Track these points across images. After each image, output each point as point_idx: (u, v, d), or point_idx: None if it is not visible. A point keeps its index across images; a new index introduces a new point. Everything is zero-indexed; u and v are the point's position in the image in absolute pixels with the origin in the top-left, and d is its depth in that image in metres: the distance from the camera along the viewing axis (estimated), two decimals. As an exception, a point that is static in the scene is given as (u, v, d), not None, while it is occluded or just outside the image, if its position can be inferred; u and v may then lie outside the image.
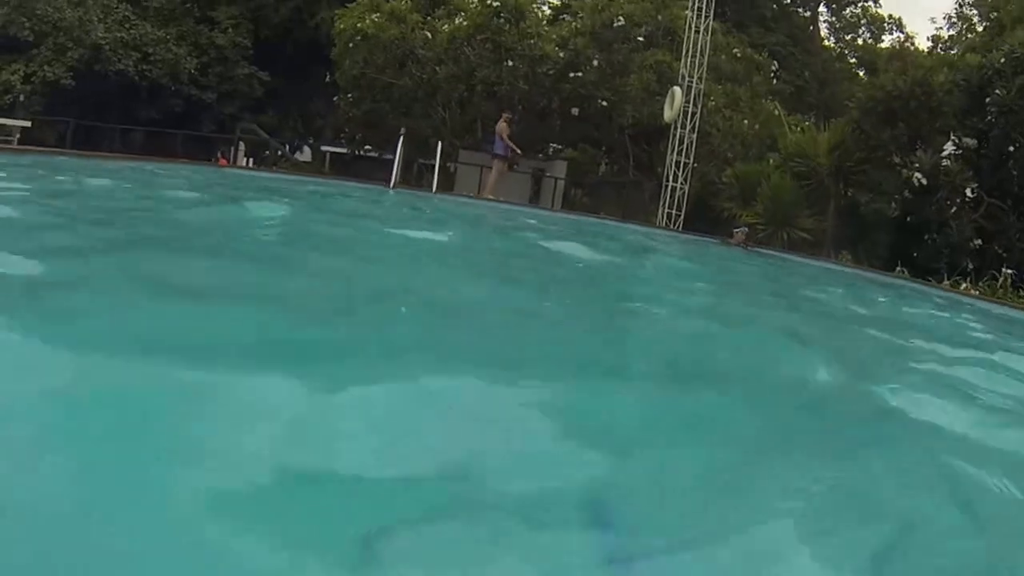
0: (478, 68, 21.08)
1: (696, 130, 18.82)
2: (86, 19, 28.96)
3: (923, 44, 37.90)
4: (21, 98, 27.79)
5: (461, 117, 22.13)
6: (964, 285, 15.45)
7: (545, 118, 22.66)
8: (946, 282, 15.66)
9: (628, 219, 18.18)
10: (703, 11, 18.80)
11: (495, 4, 20.62)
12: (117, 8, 30.27)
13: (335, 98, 25.64)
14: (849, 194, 20.20)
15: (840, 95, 32.63)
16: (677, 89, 18.57)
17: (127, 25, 29.93)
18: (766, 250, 16.63)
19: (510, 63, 20.66)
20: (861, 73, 36.42)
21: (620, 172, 23.69)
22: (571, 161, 23.51)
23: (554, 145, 23.83)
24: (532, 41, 21.09)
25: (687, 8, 20.51)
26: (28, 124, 26.10)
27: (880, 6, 38.96)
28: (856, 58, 37.69)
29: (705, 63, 18.83)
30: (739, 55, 23.39)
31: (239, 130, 24.51)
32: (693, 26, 18.72)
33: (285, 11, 32.10)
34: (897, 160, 18.95)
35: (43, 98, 28.29)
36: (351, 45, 22.60)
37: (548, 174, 20.88)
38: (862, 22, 38.40)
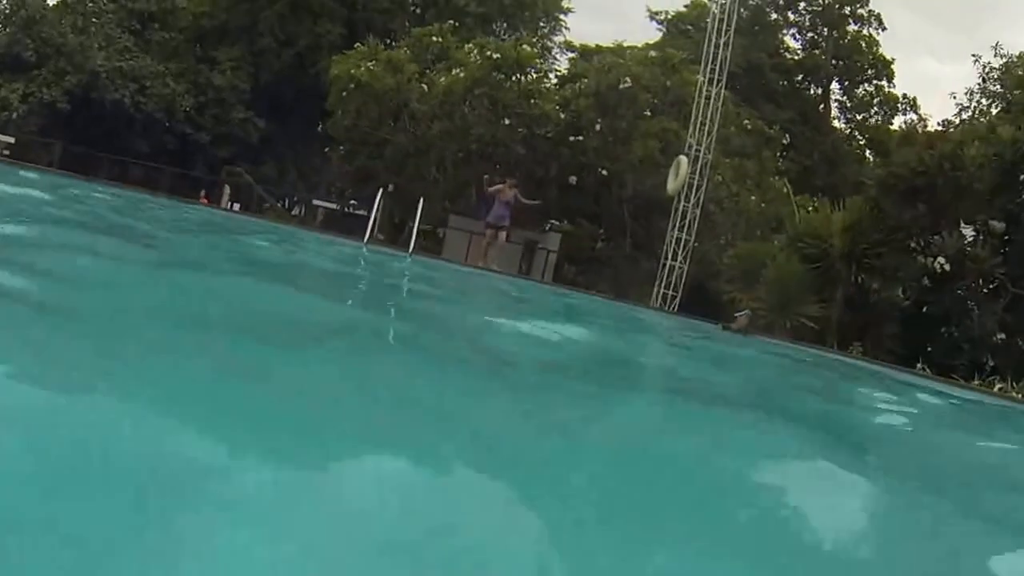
0: (474, 126, 19.52)
1: (700, 205, 17.18)
2: (87, 45, 27.90)
3: (934, 127, 36.52)
4: (14, 116, 26.82)
5: (454, 178, 20.53)
6: (1000, 386, 13.56)
7: (542, 187, 21.00)
8: (975, 381, 13.82)
9: (621, 297, 16.45)
10: (716, 77, 17.28)
11: (495, 57, 19.06)
12: (120, 38, 29.17)
13: (326, 150, 24.19)
14: (860, 280, 18.51)
15: (848, 177, 31.13)
16: (683, 159, 16.96)
17: (127, 55, 28.77)
18: (768, 339, 14.87)
19: (507, 122, 19.09)
20: (869, 155, 35.00)
21: (617, 248, 21.97)
22: (565, 235, 21.80)
23: (553, 221, 21.82)
24: (532, 100, 19.52)
25: (698, 73, 19.06)
26: (12, 140, 25.20)
27: (894, 86, 37.56)
28: (866, 139, 36.23)
29: (715, 133, 17.26)
30: (749, 127, 21.85)
31: (224, 172, 22.91)
32: (704, 91, 17.19)
33: (287, 57, 30.80)
34: (916, 244, 17.32)
35: (39, 118, 27.29)
36: (345, 94, 21.13)
37: (541, 246, 19.20)
38: (875, 101, 36.94)
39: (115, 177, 23.24)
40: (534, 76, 19.80)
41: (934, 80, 54.07)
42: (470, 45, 19.85)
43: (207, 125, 29.87)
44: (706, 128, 17.11)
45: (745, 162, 20.79)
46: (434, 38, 22.24)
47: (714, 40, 17.31)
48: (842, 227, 17.66)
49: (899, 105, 37.53)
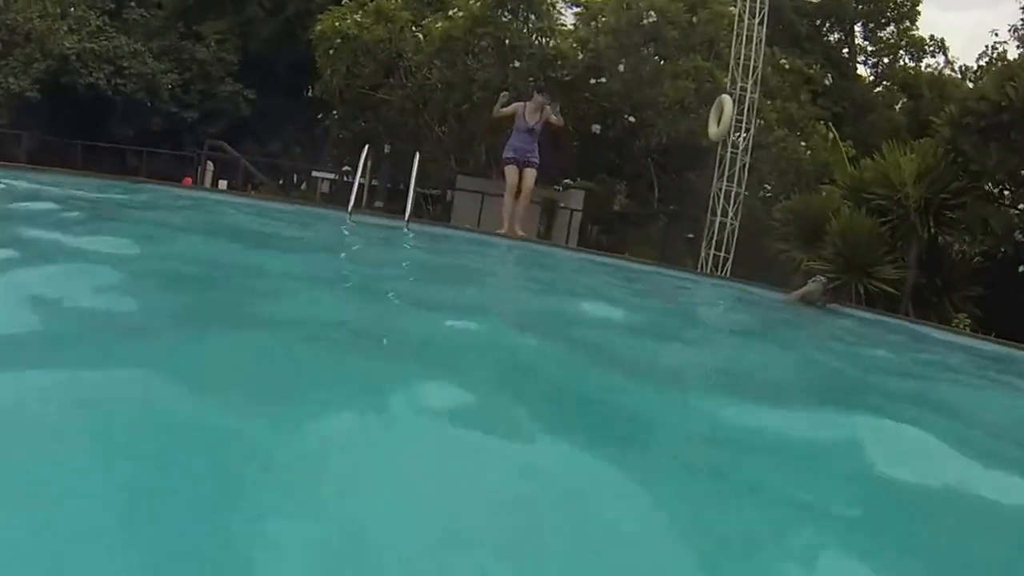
0: (478, 71, 16.34)
1: (750, 151, 14.07)
2: (55, 28, 24.88)
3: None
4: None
5: (459, 134, 17.37)
6: None
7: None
8: None
9: (665, 261, 13.42)
10: (756, 4, 14.11)
11: None
12: (91, 19, 26.09)
13: (319, 116, 21.13)
14: (936, 235, 15.40)
15: (877, 125, 27.87)
16: (727, 98, 13.83)
17: (100, 36, 25.71)
18: (849, 308, 11.83)
19: (517, 64, 15.85)
20: (903, 100, 31.62)
21: (645, 205, 18.81)
22: (588, 192, 18.49)
23: (567, 181, 18.17)
24: (545, 39, 16.28)
25: (729, 6, 15.94)
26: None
27: (917, 28, 34.09)
28: (897, 84, 32.79)
29: (760, 66, 14.12)
30: (788, 67, 18.61)
31: (206, 147, 19.86)
32: (745, 18, 14.02)
33: (276, 24, 27.65)
34: (1004, 191, 14.31)
35: (8, 110, 24.37)
36: (332, 52, 18.01)
37: (563, 205, 15.90)
38: (902, 44, 33.47)
39: (89, 166, 20.43)
40: (547, 7, 16.45)
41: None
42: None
43: (194, 102, 26.86)
44: (752, 62, 13.95)
45: (788, 104, 17.61)
46: (429, -14, 19.08)
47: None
48: (917, 174, 14.55)
49: (926, 47, 34.16)
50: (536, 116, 10.29)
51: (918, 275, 14.61)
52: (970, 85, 31.09)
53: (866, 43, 35.12)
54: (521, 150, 10.37)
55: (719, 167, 14.12)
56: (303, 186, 26.72)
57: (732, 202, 13.78)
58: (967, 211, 14.44)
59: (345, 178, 20.91)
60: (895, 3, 32.98)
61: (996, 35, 26.97)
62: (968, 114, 14.90)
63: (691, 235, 17.90)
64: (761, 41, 14.19)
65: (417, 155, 10.22)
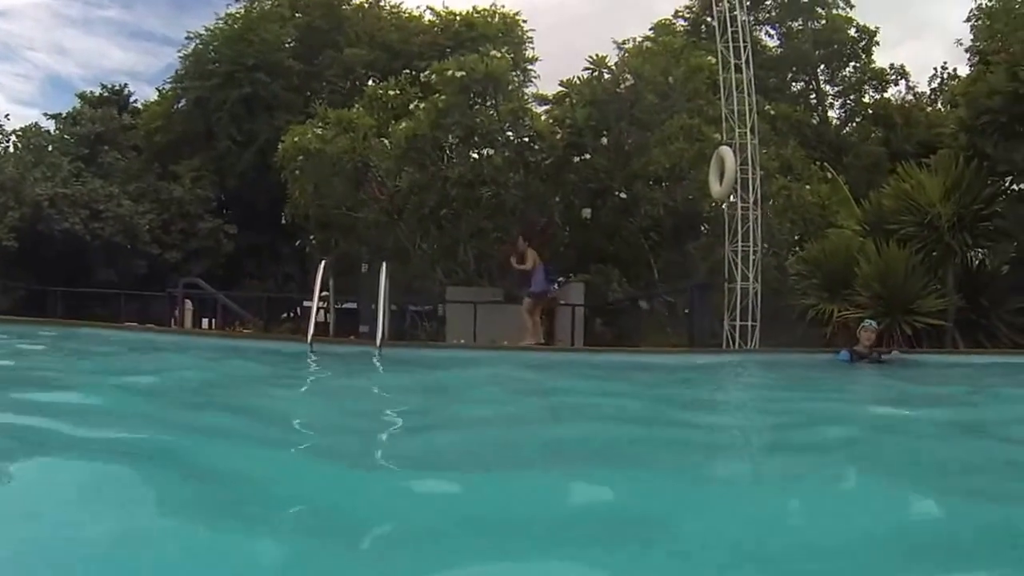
0: (449, 167, 14.18)
1: (759, 203, 11.89)
2: (27, 176, 23.03)
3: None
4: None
5: (440, 241, 15.11)
6: None
7: (545, 231, 15.28)
8: None
9: (683, 345, 11.05)
10: (740, 44, 12.12)
11: (459, 75, 13.57)
12: (63, 166, 24.25)
13: (296, 243, 19.06)
14: (971, 254, 13.15)
15: (857, 163, 25.89)
16: (726, 150, 11.69)
17: (74, 181, 23.84)
18: (913, 355, 9.49)
19: (491, 152, 13.65)
20: (875, 134, 29.70)
21: (644, 288, 16.24)
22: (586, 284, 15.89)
23: (560, 278, 15.34)
24: (521, 121, 14.08)
25: (708, 55, 14.02)
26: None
27: (874, 62, 32.39)
28: (868, 115, 30.92)
29: (755, 108, 12.04)
30: (773, 112, 16.60)
31: (181, 284, 17.67)
32: (731, 60, 11.98)
33: (248, 157, 25.77)
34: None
35: (-9, 263, 22.34)
36: (297, 172, 16.03)
37: (562, 302, 13.36)
38: (866, 77, 31.75)
39: (71, 313, 18.31)
40: (516, 89, 14.32)
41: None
42: (427, 72, 14.45)
43: (175, 242, 24.84)
44: (747, 108, 11.86)
45: (781, 151, 15.54)
46: (391, 92, 17.16)
47: (725, 5, 12.21)
48: (944, 190, 12.37)
49: (887, 77, 32.46)
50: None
51: (958, 300, 12.36)
52: (930, 109, 29.63)
53: (826, 87, 33.56)
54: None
55: (729, 228, 11.92)
56: (295, 316, 24.24)
57: (753, 263, 11.49)
58: (1006, 218, 12.32)
59: (338, 304, 18.60)
60: (851, 39, 31.50)
61: (961, 44, 25.00)
62: (983, 113, 12.85)
63: (687, 310, 15.61)
64: (751, 82, 12.17)
65: (384, 265, 7.97)
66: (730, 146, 11.80)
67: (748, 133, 11.82)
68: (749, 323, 11.45)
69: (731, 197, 11.81)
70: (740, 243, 11.60)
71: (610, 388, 5.34)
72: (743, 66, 12.20)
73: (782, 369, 8.01)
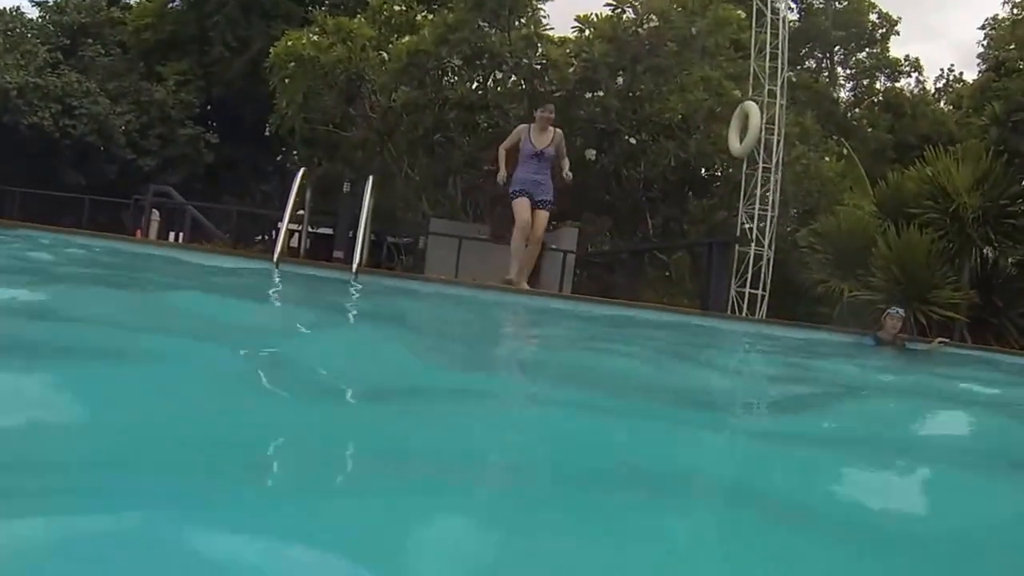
0: (451, 88, 12.97)
1: (779, 167, 10.86)
2: (-1, 63, 21.32)
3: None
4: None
5: (429, 168, 13.90)
6: None
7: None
8: None
9: (685, 304, 10.09)
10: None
11: None
12: (39, 54, 22.46)
13: (278, 158, 17.73)
14: (992, 249, 12.34)
15: (862, 146, 24.90)
16: (752, 105, 10.63)
17: (48, 72, 22.14)
18: (951, 347, 8.58)
19: (499, 75, 12.45)
20: (885, 118, 28.72)
21: (644, 240, 15.18)
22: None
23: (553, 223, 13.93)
24: (531, 48, 12.80)
25: (736, 8, 12.87)
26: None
27: (889, 50, 31.52)
28: (878, 104, 29.92)
29: (785, 65, 10.95)
30: (794, 79, 15.50)
31: (151, 193, 16.34)
32: (767, 12, 10.86)
33: (240, 65, 24.23)
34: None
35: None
36: (287, 81, 14.71)
37: (553, 246, 12.15)
38: (879, 65, 30.75)
39: (30, 216, 16.95)
40: (533, 10, 13.03)
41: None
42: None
43: (152, 148, 23.34)
44: (779, 63, 10.78)
45: (799, 118, 14.51)
46: (396, 7, 15.79)
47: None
48: (973, 181, 11.46)
49: (901, 67, 31.54)
50: (544, 138, 7.36)
51: (974, 295, 11.59)
52: (933, 108, 28.85)
53: (838, 68, 32.52)
54: (531, 182, 7.37)
55: (745, 190, 10.91)
56: (268, 237, 22.97)
57: (770, 225, 10.50)
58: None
59: (311, 228, 17.37)
60: (872, 24, 30.44)
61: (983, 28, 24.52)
62: (1018, 110, 12.00)
63: (668, 273, 14.65)
64: (786, 38, 11.07)
65: (370, 179, 6.88)
66: (758, 102, 10.72)
67: (777, 91, 10.74)
68: (760, 292, 10.50)
69: (753, 157, 10.78)
70: (759, 206, 10.59)
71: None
72: (779, 22, 11.09)
73: (830, 348, 7.04)
